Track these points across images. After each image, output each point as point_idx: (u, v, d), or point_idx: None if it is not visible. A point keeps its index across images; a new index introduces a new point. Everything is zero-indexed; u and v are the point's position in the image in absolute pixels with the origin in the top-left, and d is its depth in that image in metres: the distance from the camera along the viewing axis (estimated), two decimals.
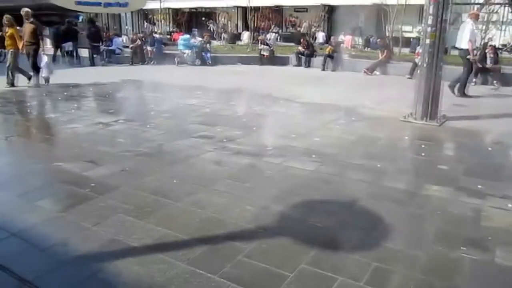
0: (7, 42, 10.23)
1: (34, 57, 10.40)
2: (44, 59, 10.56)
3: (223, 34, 25.12)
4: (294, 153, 5.21)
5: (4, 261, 2.78)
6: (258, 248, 3.00)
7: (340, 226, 3.37)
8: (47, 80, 10.67)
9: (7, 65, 10.23)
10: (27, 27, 10.21)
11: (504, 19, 18.74)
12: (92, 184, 4.12)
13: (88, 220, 3.38)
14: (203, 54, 16.43)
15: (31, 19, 10.33)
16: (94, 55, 16.31)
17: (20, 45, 10.18)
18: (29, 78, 10.35)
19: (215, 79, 12.72)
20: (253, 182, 4.28)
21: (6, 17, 10.44)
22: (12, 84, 10.20)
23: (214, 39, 22.99)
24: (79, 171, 4.54)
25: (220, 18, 27.98)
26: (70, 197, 3.86)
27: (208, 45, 17.00)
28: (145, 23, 31.88)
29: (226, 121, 6.95)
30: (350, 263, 2.82)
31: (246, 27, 26.51)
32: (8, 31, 10.19)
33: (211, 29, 28.37)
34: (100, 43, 17.10)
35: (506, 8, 16.66)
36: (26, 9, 10.16)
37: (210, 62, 16.25)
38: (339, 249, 3.04)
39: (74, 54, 16.86)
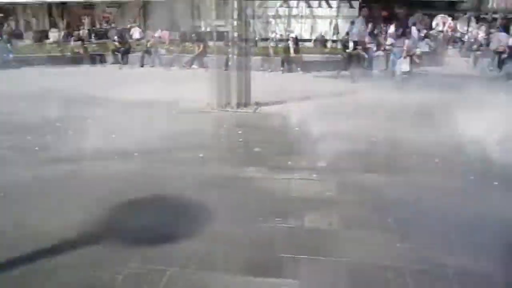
0: None
1: None
2: None
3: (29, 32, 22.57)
4: (116, 153, 5.05)
5: None
6: None
7: (170, 220, 3.45)
8: None
9: None
10: None
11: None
12: None
13: None
14: (4, 55, 14.56)
15: None
16: None
17: None
18: None
19: (19, 82, 11.36)
20: (72, 189, 4.04)
21: None
22: None
23: (17, 38, 20.56)
24: None
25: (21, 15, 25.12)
26: None
27: (8, 45, 15.12)
28: None
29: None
30: (183, 250, 2.94)
31: (54, 24, 24.29)
32: None
33: (12, 27, 25.31)
34: None
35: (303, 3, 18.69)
36: None
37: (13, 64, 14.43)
38: (174, 240, 3.11)
39: None
